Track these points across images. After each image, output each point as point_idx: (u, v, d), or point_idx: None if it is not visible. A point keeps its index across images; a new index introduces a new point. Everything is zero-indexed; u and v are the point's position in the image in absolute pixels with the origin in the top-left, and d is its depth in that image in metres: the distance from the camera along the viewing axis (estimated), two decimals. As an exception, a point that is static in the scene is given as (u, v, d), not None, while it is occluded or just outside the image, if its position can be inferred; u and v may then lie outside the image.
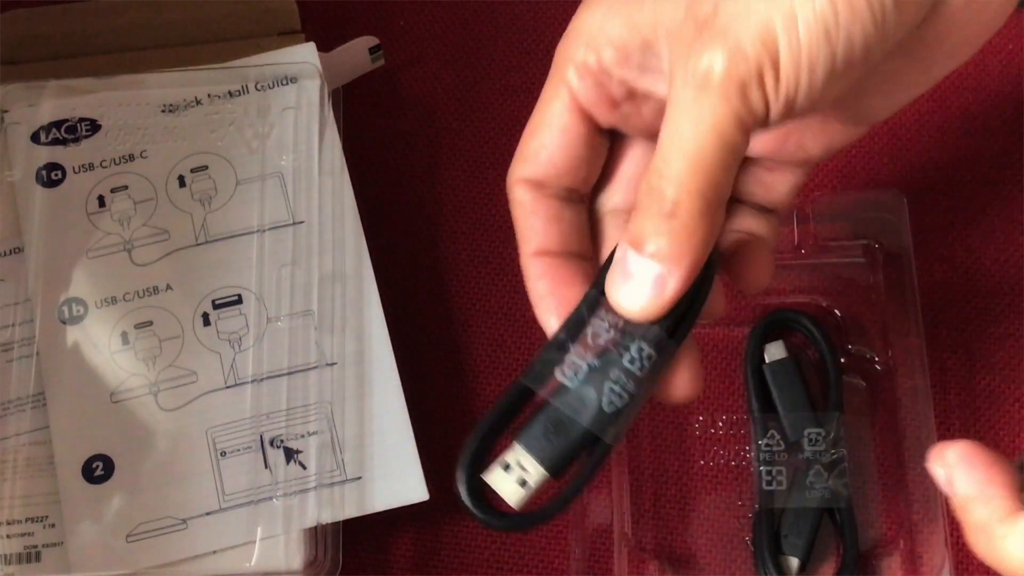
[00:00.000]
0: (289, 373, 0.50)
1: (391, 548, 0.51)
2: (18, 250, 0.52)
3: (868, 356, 0.51)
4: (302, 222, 0.52)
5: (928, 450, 0.35)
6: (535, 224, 0.36)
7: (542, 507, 0.35)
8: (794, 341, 0.51)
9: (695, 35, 0.31)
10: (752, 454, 0.50)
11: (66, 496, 0.48)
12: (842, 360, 0.51)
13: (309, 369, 0.50)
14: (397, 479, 0.49)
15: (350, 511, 0.48)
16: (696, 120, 0.31)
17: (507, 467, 0.35)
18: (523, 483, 0.35)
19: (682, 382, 0.35)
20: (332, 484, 0.48)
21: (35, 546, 0.48)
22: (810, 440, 0.49)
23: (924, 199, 0.53)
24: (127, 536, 0.48)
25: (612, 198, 0.38)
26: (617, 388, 0.34)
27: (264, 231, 0.52)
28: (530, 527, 0.36)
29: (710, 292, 0.35)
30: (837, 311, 0.52)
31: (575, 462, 0.35)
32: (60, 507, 0.48)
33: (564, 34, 0.35)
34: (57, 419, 0.49)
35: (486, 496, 0.35)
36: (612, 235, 0.38)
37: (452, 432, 0.52)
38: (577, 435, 0.34)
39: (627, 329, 0.34)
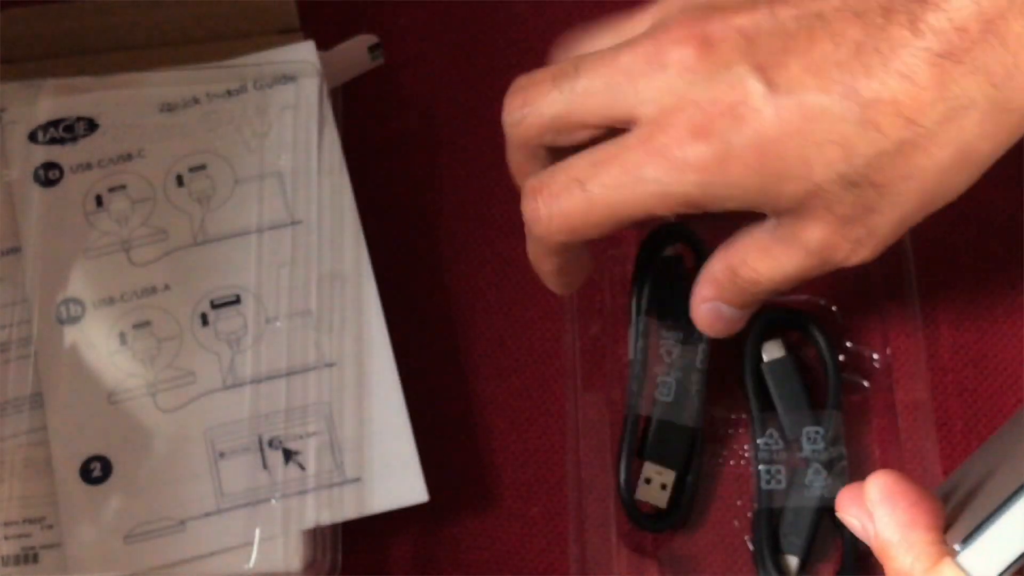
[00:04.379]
0: (288, 374, 0.50)
1: (390, 550, 0.51)
2: (15, 250, 0.51)
3: (867, 354, 0.51)
4: (301, 222, 0.52)
5: (869, 478, 0.32)
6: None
7: (678, 502, 0.48)
8: (792, 339, 0.51)
9: None
10: (751, 453, 0.50)
11: (64, 497, 0.48)
12: (841, 358, 0.51)
13: (308, 370, 0.50)
14: (396, 480, 0.49)
15: (349, 512, 0.48)
16: None
17: (648, 481, 0.48)
18: (663, 487, 0.48)
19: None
20: (331, 485, 0.48)
21: (32, 547, 0.48)
22: (809, 439, 0.49)
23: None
24: (125, 537, 0.48)
25: None
26: (696, 385, 0.48)
27: (263, 231, 0.52)
28: (680, 523, 0.49)
29: None
30: (836, 309, 0.52)
31: (688, 454, 0.48)
32: (58, 508, 0.48)
33: None
34: (54, 420, 0.49)
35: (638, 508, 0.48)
36: None
37: (452, 433, 0.52)
38: (684, 435, 0.48)
39: (688, 339, 0.48)
